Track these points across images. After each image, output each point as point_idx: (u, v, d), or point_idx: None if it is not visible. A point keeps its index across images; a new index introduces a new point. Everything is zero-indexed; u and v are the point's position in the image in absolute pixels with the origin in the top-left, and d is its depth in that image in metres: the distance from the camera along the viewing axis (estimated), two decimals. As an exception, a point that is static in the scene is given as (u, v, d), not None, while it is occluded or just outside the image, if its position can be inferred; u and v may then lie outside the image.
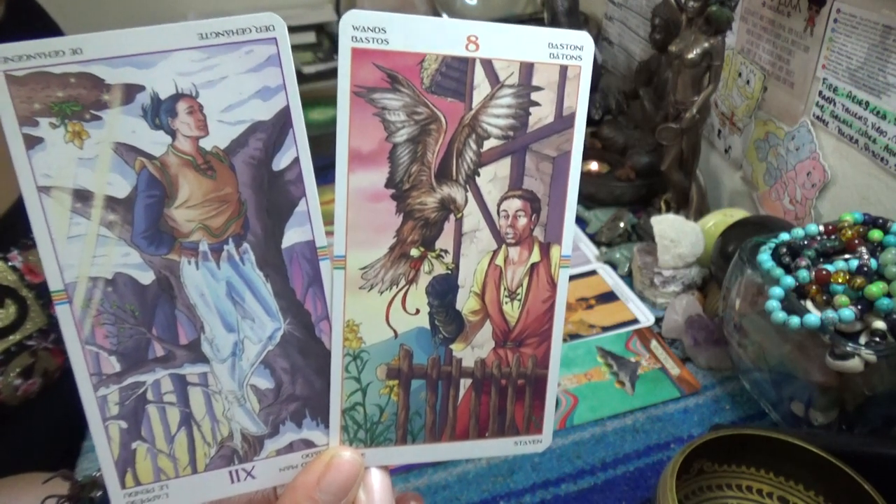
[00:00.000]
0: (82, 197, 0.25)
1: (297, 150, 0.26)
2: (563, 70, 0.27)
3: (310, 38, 1.26)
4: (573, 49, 0.27)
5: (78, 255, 0.25)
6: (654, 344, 0.68)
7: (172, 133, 0.25)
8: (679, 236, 0.71)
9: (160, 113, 0.25)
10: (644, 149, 0.92)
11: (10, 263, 0.57)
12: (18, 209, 0.58)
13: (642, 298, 0.75)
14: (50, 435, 0.64)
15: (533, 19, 1.21)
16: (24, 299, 0.58)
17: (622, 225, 0.84)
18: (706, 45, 0.70)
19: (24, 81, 0.23)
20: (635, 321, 0.72)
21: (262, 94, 0.25)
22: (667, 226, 0.72)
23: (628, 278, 0.78)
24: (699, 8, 0.68)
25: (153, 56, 0.24)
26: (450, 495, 0.54)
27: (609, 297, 0.76)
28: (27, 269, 0.58)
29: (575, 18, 1.00)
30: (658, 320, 0.71)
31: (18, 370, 0.58)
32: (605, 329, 0.71)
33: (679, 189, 0.82)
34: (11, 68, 0.23)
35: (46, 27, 0.71)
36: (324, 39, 1.28)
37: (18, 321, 0.58)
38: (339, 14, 1.31)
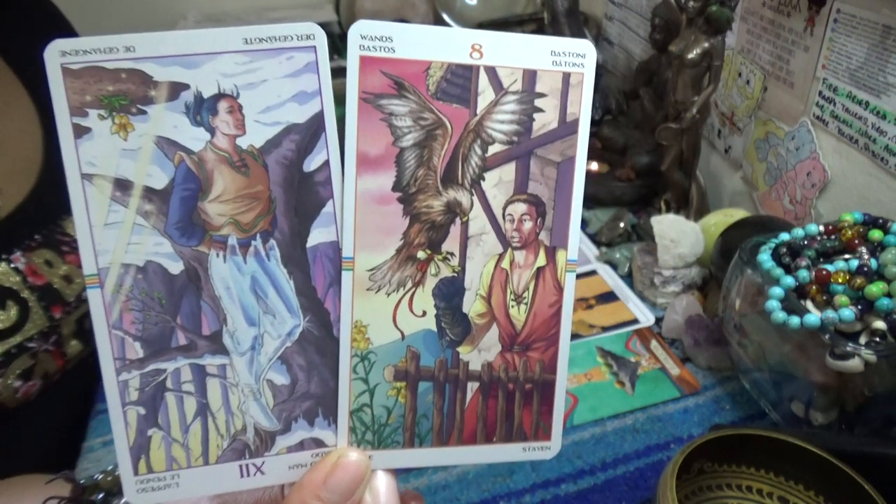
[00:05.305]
0: (122, 186, 0.26)
1: (328, 153, 0.27)
2: (566, 77, 0.28)
3: (310, 38, 1.26)
4: (576, 57, 0.28)
5: (113, 241, 0.26)
6: (654, 344, 0.68)
7: (212, 130, 0.26)
8: (679, 236, 0.71)
9: (202, 111, 0.26)
10: (644, 149, 0.92)
11: (12, 265, 0.57)
12: (23, 210, 0.58)
13: (642, 298, 0.75)
14: (49, 437, 0.63)
15: (533, 19, 1.21)
16: (26, 301, 0.58)
17: (622, 225, 0.84)
18: (706, 45, 0.70)
19: (79, 74, 0.25)
20: (635, 321, 0.72)
21: (298, 98, 0.26)
22: (667, 226, 0.72)
23: (628, 278, 0.79)
24: (699, 8, 0.68)
25: (200, 57, 0.25)
26: (450, 495, 0.54)
27: (609, 297, 0.76)
28: (30, 271, 0.58)
29: (575, 18, 1.00)
30: (658, 320, 0.72)
31: (18, 372, 0.58)
32: (605, 329, 0.71)
33: (679, 189, 0.82)
34: (68, 62, 0.25)
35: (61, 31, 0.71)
36: (324, 39, 1.27)
37: (19, 323, 0.58)
38: (338, 14, 1.31)
